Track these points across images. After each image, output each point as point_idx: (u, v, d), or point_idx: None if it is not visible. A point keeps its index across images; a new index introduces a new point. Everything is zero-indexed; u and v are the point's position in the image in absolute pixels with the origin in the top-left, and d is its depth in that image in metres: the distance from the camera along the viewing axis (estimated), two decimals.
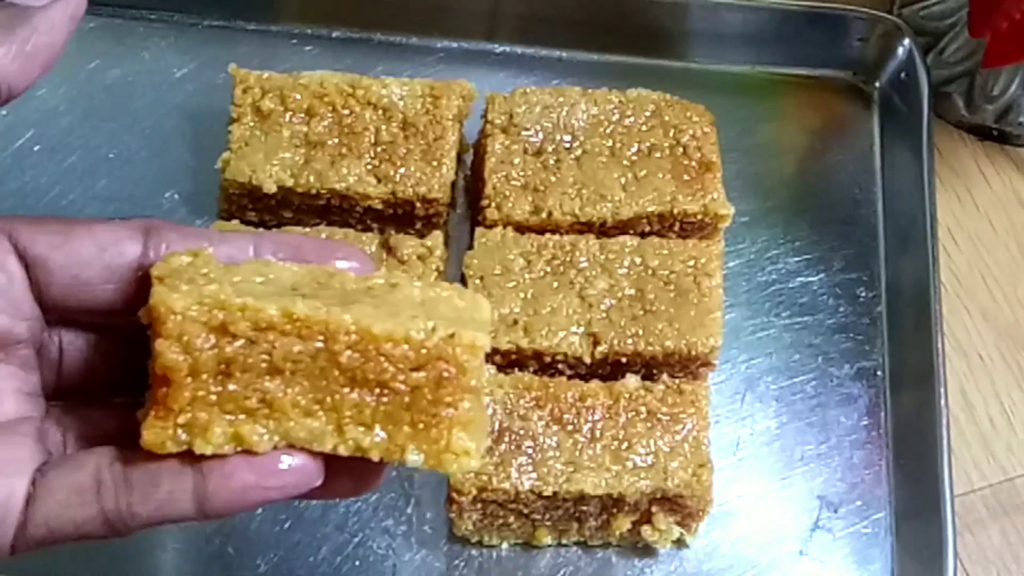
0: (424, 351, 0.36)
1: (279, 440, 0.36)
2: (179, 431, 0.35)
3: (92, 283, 0.38)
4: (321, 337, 0.35)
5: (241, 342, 0.35)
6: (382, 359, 0.36)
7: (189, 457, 0.35)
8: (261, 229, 0.50)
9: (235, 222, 0.61)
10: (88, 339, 0.40)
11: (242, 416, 0.36)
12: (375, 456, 0.36)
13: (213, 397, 0.36)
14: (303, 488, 0.36)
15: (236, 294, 0.35)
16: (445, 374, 0.36)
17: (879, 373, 0.66)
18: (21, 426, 0.37)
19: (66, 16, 0.40)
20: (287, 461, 0.36)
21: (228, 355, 0.35)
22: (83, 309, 0.39)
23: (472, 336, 0.36)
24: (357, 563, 0.58)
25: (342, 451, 0.36)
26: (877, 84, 0.75)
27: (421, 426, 0.36)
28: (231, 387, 0.36)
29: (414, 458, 0.36)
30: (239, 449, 0.36)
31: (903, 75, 0.74)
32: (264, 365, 0.36)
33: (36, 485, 0.35)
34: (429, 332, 0.36)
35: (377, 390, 0.36)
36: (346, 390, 0.36)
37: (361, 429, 0.36)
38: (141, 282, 0.38)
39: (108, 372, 0.40)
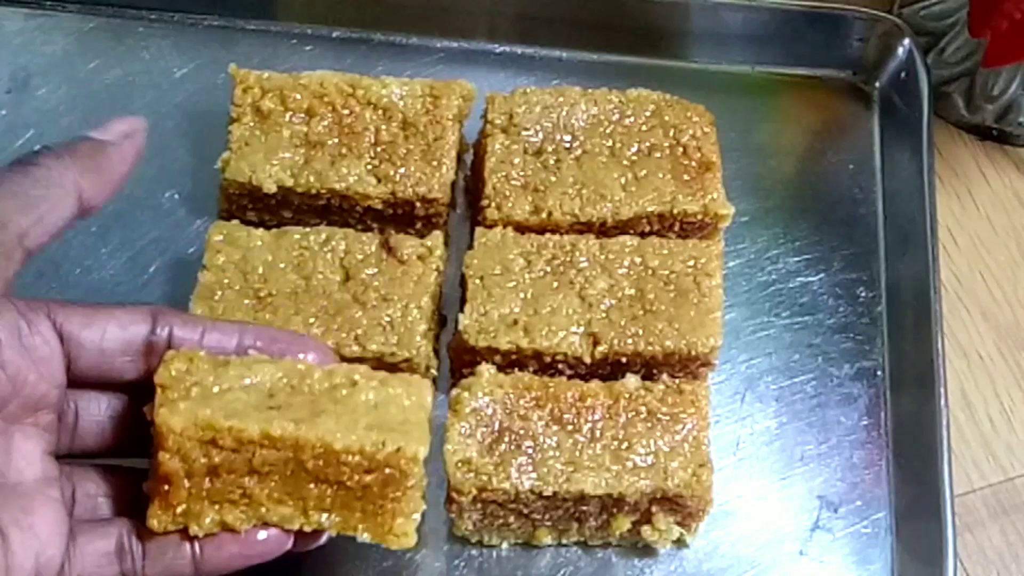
0: (375, 460, 0.46)
1: (257, 521, 0.47)
2: (177, 517, 0.46)
3: (113, 356, 0.48)
4: (292, 450, 0.46)
5: (227, 452, 0.45)
6: (341, 465, 0.46)
7: (187, 533, 0.47)
8: (247, 324, 0.53)
9: (235, 222, 0.61)
10: (100, 403, 0.49)
11: (227, 505, 0.47)
12: (332, 533, 0.48)
13: (204, 492, 0.46)
14: (277, 553, 0.48)
15: (224, 414, 0.45)
16: (390, 476, 0.47)
17: (879, 373, 0.66)
18: (50, 489, 0.46)
19: (133, 151, 0.50)
20: (263, 535, 0.48)
21: (216, 462, 0.46)
22: (103, 377, 0.48)
23: (415, 449, 0.47)
24: (357, 562, 0.58)
25: (306, 529, 0.48)
26: (877, 84, 0.75)
27: (370, 513, 0.48)
28: (218, 484, 0.46)
29: (363, 536, 0.48)
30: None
31: (903, 75, 0.74)
32: (245, 468, 0.46)
33: (69, 549, 0.45)
34: (379, 447, 0.46)
35: (336, 486, 0.47)
36: (311, 486, 0.47)
37: (323, 515, 0.48)
38: (147, 355, 0.48)
39: (114, 432, 0.49)
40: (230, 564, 0.48)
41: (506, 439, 0.54)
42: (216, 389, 0.47)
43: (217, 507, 0.47)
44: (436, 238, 0.61)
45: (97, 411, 0.49)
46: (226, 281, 0.58)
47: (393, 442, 0.47)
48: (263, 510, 0.47)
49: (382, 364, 0.57)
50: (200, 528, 0.47)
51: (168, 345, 0.49)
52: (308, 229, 0.60)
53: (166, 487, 0.46)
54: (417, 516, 0.49)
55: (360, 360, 0.57)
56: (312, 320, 0.57)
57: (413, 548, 0.51)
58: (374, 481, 0.47)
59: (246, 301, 0.58)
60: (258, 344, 0.50)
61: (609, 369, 0.59)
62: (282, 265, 0.59)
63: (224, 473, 0.46)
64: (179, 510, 0.47)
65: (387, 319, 0.58)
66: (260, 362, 0.49)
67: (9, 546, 0.43)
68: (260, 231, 0.60)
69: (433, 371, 0.61)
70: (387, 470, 0.47)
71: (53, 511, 0.46)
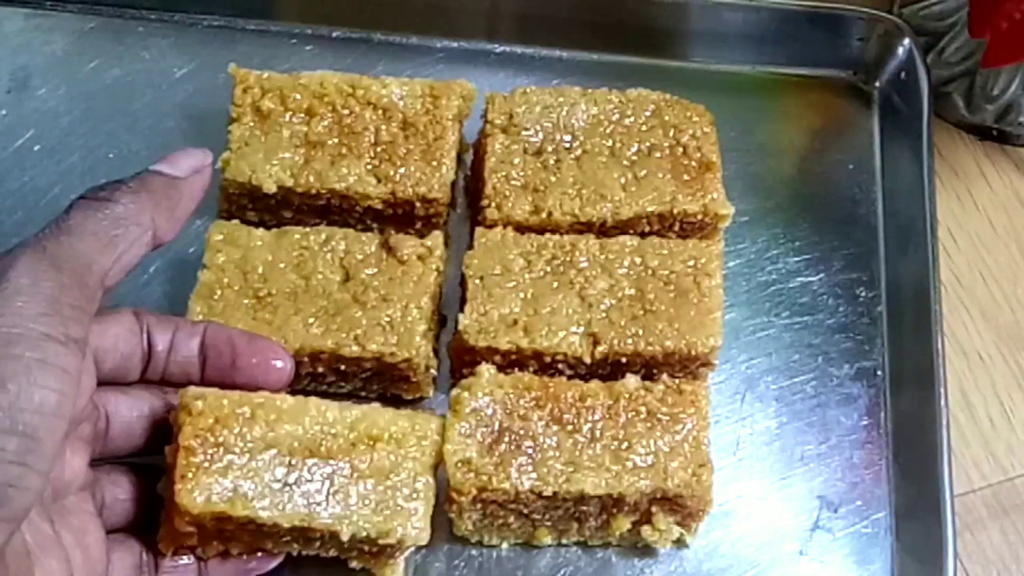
0: (377, 544, 0.51)
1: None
2: (186, 546, 0.52)
3: (127, 359, 0.51)
4: (300, 531, 0.51)
5: (240, 526, 0.50)
6: (343, 544, 0.52)
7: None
8: (219, 327, 0.55)
9: (235, 222, 0.61)
10: (127, 405, 0.52)
11: (235, 543, 0.52)
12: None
13: (214, 539, 0.51)
14: (266, 569, 0.53)
15: (241, 500, 0.49)
16: (388, 551, 0.53)
17: (879, 373, 0.66)
18: (87, 503, 0.49)
19: (201, 187, 0.52)
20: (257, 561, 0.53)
21: (230, 528, 0.50)
22: (118, 380, 0.51)
23: (415, 537, 0.52)
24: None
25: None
26: (877, 84, 0.75)
27: (366, 558, 0.54)
28: (228, 535, 0.51)
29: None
30: None
31: (903, 75, 0.74)
32: (257, 533, 0.51)
33: (108, 566, 0.49)
34: (384, 535, 0.51)
35: (334, 552, 0.53)
36: (316, 543, 0.53)
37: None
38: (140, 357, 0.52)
39: (143, 432, 0.52)
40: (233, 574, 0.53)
41: (506, 439, 0.54)
42: (237, 460, 0.50)
43: (226, 544, 0.52)
44: (436, 238, 0.61)
45: (128, 413, 0.52)
46: (226, 280, 0.58)
47: (395, 533, 0.51)
48: (269, 546, 0.53)
49: (382, 364, 0.57)
50: (207, 554, 0.52)
51: (150, 346, 0.52)
52: (308, 229, 0.60)
53: (177, 532, 0.50)
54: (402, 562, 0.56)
55: (360, 360, 0.57)
56: (312, 320, 0.57)
57: (413, 548, 0.53)
58: (373, 552, 0.53)
59: (246, 300, 0.58)
60: (219, 342, 0.53)
61: (609, 369, 0.59)
62: (282, 265, 0.59)
63: (236, 534, 0.51)
64: (189, 543, 0.52)
65: (387, 319, 0.58)
66: (282, 418, 0.51)
67: (73, 570, 0.46)
68: (260, 231, 0.60)
69: (433, 371, 0.61)
70: (384, 545, 0.52)
71: (97, 527, 0.49)
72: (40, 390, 0.41)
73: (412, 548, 0.54)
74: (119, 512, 0.52)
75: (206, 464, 0.49)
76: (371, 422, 0.53)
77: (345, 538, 0.50)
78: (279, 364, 0.54)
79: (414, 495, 0.52)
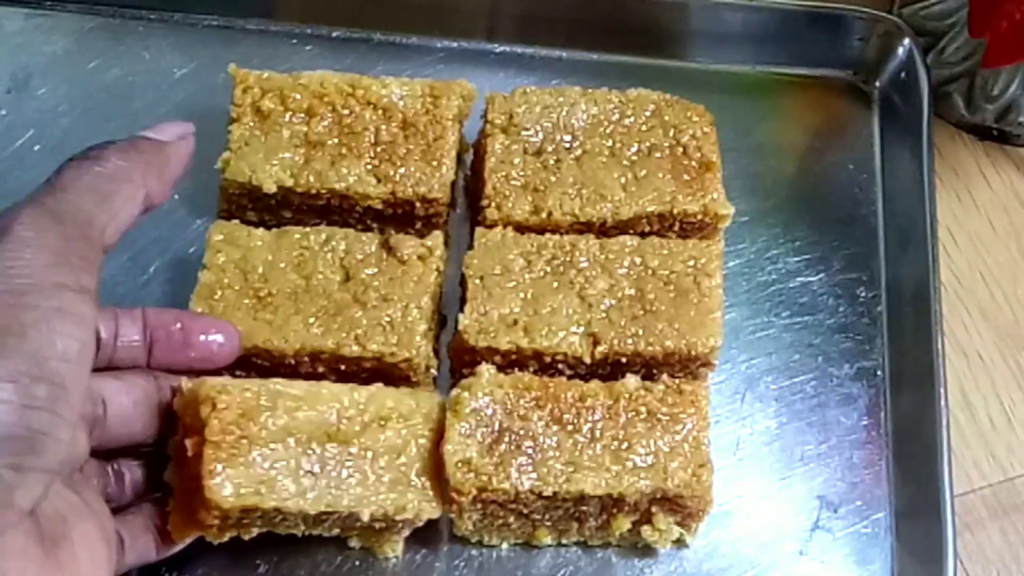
0: (395, 520, 0.53)
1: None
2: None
3: (119, 350, 0.51)
4: (317, 514, 0.52)
5: (264, 514, 0.51)
6: (355, 524, 0.54)
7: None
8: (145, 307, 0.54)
9: (235, 222, 0.61)
10: (121, 388, 0.51)
11: (244, 530, 0.53)
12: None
13: (230, 528, 0.53)
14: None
15: (268, 487, 0.50)
16: (396, 526, 0.54)
17: (879, 373, 0.66)
18: (92, 480, 0.51)
19: (187, 152, 0.52)
20: None
21: (249, 517, 0.52)
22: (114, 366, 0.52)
23: (431, 511, 0.53)
24: (357, 563, 0.58)
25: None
26: (877, 84, 0.75)
27: (370, 544, 0.57)
28: (243, 523, 0.52)
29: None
30: None
31: (903, 75, 0.74)
32: (277, 518, 0.52)
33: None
34: (402, 511, 0.52)
35: (337, 531, 0.55)
36: (321, 531, 0.55)
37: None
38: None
39: (140, 419, 0.52)
40: None
41: (506, 439, 0.54)
42: (263, 451, 0.51)
43: (239, 530, 0.53)
44: (436, 238, 0.60)
45: (125, 399, 0.51)
46: (226, 280, 0.58)
47: (412, 508, 0.53)
48: (280, 529, 0.54)
49: (382, 364, 0.57)
50: (217, 539, 0.53)
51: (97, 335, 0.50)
52: (308, 229, 0.60)
53: (194, 521, 0.51)
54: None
55: (360, 360, 0.57)
56: (312, 320, 0.57)
57: (412, 549, 0.54)
58: (382, 529, 0.55)
59: (246, 300, 0.58)
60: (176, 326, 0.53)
61: (609, 369, 0.59)
62: (282, 265, 0.59)
63: (253, 520, 0.52)
64: (203, 532, 0.53)
65: (387, 319, 0.58)
66: (301, 405, 0.52)
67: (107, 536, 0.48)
68: (260, 231, 0.60)
69: (433, 371, 0.61)
70: (396, 526, 0.54)
71: (102, 501, 0.49)
72: (62, 337, 0.41)
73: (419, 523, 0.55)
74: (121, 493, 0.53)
75: (233, 457, 0.50)
76: (380, 403, 0.54)
77: (365, 518, 0.52)
78: (221, 339, 0.54)
79: (424, 470, 0.53)
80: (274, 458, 0.51)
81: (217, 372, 0.54)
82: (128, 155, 0.48)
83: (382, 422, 0.53)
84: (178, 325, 0.53)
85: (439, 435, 0.54)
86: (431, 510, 0.53)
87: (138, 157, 0.49)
